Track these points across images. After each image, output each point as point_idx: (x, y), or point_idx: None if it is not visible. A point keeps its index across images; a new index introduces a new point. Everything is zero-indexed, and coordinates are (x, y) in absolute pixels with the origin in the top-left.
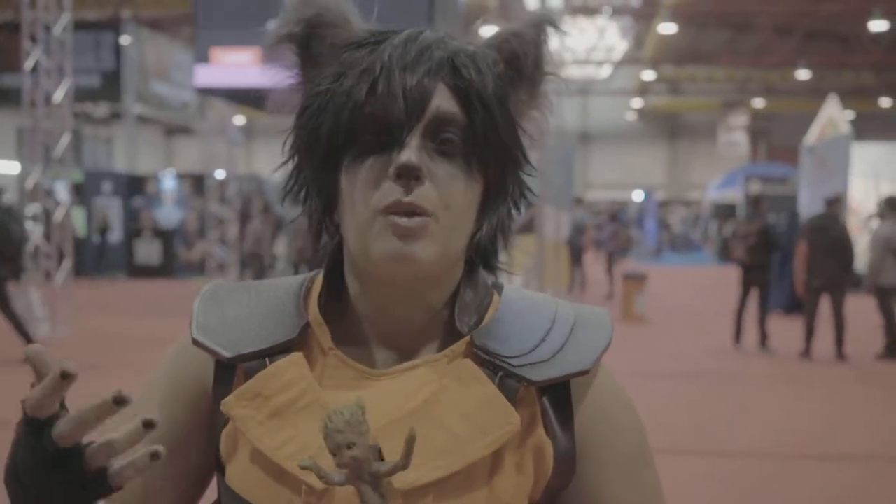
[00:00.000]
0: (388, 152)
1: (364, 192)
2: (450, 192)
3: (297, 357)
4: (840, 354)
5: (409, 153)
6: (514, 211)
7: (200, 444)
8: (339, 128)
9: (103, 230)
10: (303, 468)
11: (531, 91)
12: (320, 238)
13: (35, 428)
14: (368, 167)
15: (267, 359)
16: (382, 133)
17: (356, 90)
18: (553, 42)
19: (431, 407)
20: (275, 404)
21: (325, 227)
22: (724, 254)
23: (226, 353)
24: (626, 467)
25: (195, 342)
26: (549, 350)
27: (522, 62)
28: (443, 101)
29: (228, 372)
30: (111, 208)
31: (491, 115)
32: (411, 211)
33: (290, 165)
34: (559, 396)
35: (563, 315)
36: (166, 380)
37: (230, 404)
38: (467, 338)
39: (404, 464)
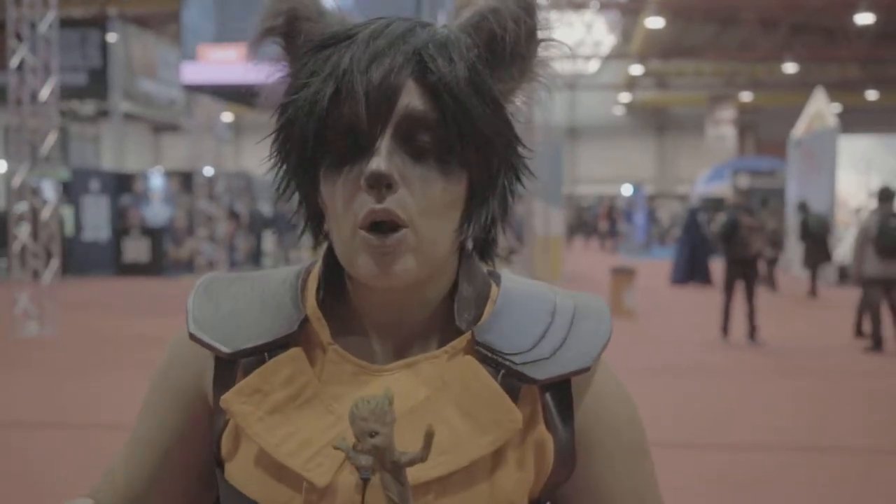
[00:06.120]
0: (361, 160)
1: (342, 205)
2: (426, 197)
3: (296, 352)
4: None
5: (379, 161)
6: (509, 196)
7: (202, 440)
8: (308, 137)
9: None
10: (335, 448)
11: (521, 67)
12: (315, 238)
13: None
14: (343, 177)
15: (266, 354)
16: (352, 139)
17: (320, 96)
18: (539, 14)
19: (433, 404)
20: (274, 400)
21: (314, 230)
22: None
23: (225, 349)
24: (624, 460)
25: (192, 337)
26: (550, 346)
27: (502, 40)
28: (412, 98)
29: (228, 368)
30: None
31: (465, 109)
32: (388, 224)
33: (277, 168)
34: (560, 391)
35: (562, 306)
36: (164, 380)
37: (229, 400)
38: (468, 334)
39: (423, 455)
